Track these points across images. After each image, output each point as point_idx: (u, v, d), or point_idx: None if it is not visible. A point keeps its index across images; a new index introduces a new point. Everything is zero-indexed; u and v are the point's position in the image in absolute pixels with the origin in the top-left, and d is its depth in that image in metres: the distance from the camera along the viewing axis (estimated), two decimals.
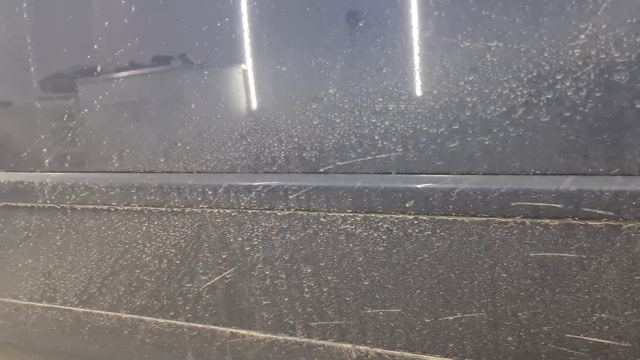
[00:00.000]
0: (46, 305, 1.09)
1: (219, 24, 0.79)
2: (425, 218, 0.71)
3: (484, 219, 0.68)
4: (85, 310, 1.05)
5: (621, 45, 0.58)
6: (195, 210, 0.88)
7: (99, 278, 1.01)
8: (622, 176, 0.60)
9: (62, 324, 1.08)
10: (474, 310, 0.71)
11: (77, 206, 0.99)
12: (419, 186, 0.70)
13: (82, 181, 0.96)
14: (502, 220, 0.67)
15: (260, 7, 0.76)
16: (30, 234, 1.07)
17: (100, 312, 1.03)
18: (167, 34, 0.84)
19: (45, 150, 0.99)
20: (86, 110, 0.93)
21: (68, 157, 0.97)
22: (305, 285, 0.82)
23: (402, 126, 0.70)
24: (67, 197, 0.98)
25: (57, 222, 1.02)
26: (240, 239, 0.85)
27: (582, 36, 0.59)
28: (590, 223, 0.62)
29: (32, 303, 1.11)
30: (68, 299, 1.06)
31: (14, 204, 1.06)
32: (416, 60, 0.68)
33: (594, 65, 0.59)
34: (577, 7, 0.59)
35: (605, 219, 0.61)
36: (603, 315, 0.64)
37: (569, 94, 0.61)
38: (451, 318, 0.73)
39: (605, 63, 0.59)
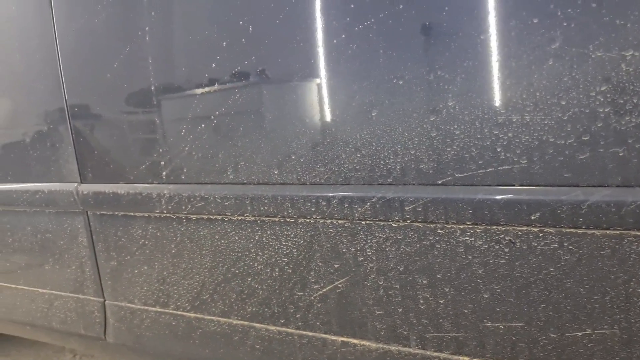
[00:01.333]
0: (159, 309, 1.16)
1: (335, 41, 0.82)
2: (551, 231, 0.70)
3: (618, 232, 0.66)
4: (197, 315, 1.10)
5: None
6: (308, 220, 0.90)
7: (211, 285, 1.06)
8: None
9: (175, 328, 1.14)
10: (605, 327, 0.69)
11: (192, 216, 1.04)
12: (546, 198, 0.69)
13: (198, 192, 1.01)
14: (639, 233, 0.65)
15: (378, 24, 0.78)
16: (146, 242, 1.14)
17: (211, 317, 1.08)
18: (282, 47, 0.87)
19: (163, 163, 1.06)
20: (203, 125, 0.98)
21: (185, 170, 1.03)
22: (420, 297, 0.83)
23: (527, 138, 0.70)
24: (183, 208, 1.03)
25: (173, 231, 1.09)
26: (353, 249, 0.87)
27: None
28: None
29: (146, 307, 1.18)
30: (181, 305, 1.12)
31: (132, 213, 1.14)
32: (543, 71, 0.67)
33: None
34: None
35: None
36: None
37: None
38: (579, 334, 0.71)
39: None
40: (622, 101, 0.63)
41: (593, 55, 0.64)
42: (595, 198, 0.66)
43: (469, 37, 0.71)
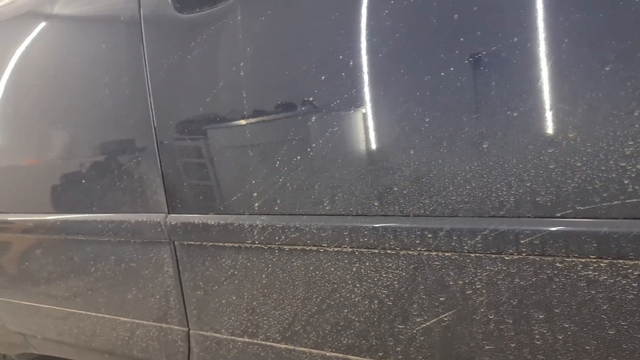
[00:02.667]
0: (247, 340, 1.16)
1: (443, 74, 0.83)
2: None
3: None
4: (288, 346, 1.10)
5: None
6: (411, 252, 0.90)
7: (304, 316, 1.06)
8: None
9: (263, 359, 1.14)
10: None
11: (285, 247, 1.05)
12: None
13: (292, 223, 1.02)
14: None
15: (491, 56, 0.78)
16: (235, 272, 1.15)
17: (303, 349, 1.07)
18: (382, 80, 0.88)
19: (255, 194, 1.07)
20: (299, 157, 0.99)
21: (278, 201, 1.04)
22: (536, 332, 0.81)
23: None
24: (277, 238, 1.04)
25: (264, 262, 1.09)
26: (460, 282, 0.86)
27: None
28: None
29: (233, 337, 1.19)
30: (270, 335, 1.12)
31: (221, 244, 1.15)
32: None
33: None
34: None
35: None
36: None
37: None
38: None
39: None
40: None
41: None
42: None
43: (591, 69, 0.71)
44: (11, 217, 1.63)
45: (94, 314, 1.48)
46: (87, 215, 1.41)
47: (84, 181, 1.41)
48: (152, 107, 1.22)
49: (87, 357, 1.59)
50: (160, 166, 1.23)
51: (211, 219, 1.15)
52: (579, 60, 0.72)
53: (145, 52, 1.22)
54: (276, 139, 1.03)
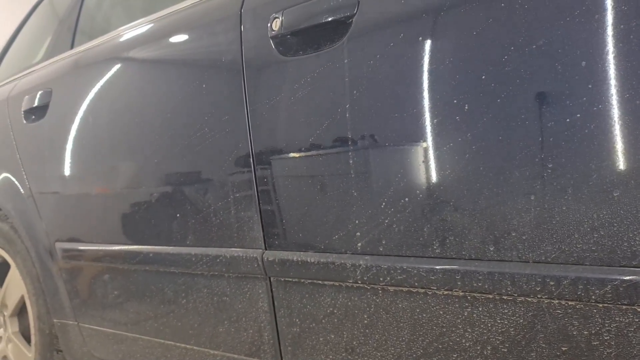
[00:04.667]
0: None
1: (568, 120, 0.82)
2: None
3: None
4: None
5: None
6: (530, 299, 0.88)
7: (409, 359, 1.05)
8: None
9: None
10: None
11: (390, 288, 1.05)
12: None
13: (399, 264, 1.02)
14: None
15: (619, 103, 0.77)
16: (335, 311, 1.15)
17: None
18: (505, 121, 0.89)
19: (359, 234, 1.08)
20: (407, 199, 1.00)
21: (383, 242, 1.05)
22: None
23: None
24: (381, 279, 1.05)
25: (366, 302, 1.10)
26: (586, 332, 0.84)
27: None
28: None
29: None
30: None
31: (321, 282, 1.16)
32: None
33: None
34: None
35: None
36: None
37: None
38: None
39: None
40: None
41: None
42: None
43: None
44: (105, 247, 1.70)
45: (182, 345, 1.52)
46: (180, 248, 1.45)
47: (179, 215, 1.47)
48: (252, 145, 1.27)
49: None
50: (258, 202, 1.27)
51: (311, 256, 1.17)
52: None
53: (247, 91, 1.27)
54: (381, 180, 1.05)
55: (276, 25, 1.22)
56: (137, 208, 1.59)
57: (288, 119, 1.22)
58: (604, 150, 0.80)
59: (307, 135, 1.17)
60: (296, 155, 1.20)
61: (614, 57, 0.79)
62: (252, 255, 1.28)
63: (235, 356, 1.39)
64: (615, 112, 0.79)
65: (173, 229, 1.49)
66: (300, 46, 1.20)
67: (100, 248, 1.71)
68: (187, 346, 1.51)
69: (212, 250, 1.38)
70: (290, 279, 1.23)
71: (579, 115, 0.82)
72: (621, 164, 0.79)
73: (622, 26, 0.79)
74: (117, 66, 1.68)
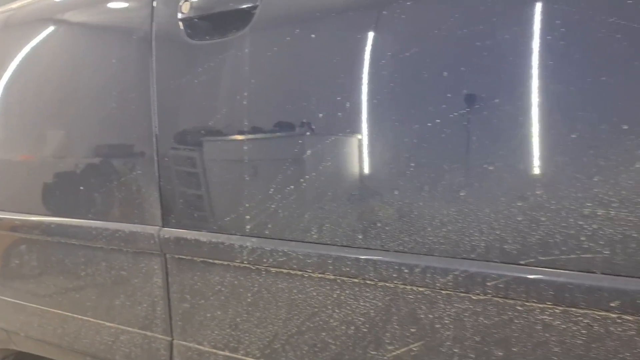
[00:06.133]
0: (228, 354, 1.22)
1: (430, 124, 0.91)
2: (629, 318, 0.77)
3: None
4: None
5: None
6: (388, 285, 0.97)
7: (284, 335, 1.13)
8: None
9: None
10: None
11: (272, 269, 1.12)
12: (627, 288, 0.75)
13: (280, 247, 1.09)
14: None
15: (473, 114, 0.87)
16: (222, 289, 1.21)
17: None
18: (376, 126, 0.97)
19: (248, 217, 1.14)
20: (292, 187, 1.07)
21: (269, 225, 1.11)
22: None
23: (611, 231, 0.77)
24: (264, 260, 1.11)
25: (251, 281, 1.16)
26: (431, 316, 0.94)
27: None
28: None
29: (214, 350, 1.25)
30: (251, 351, 1.19)
31: (211, 260, 1.22)
32: (630, 171, 0.75)
33: None
34: None
35: None
36: None
37: None
38: None
39: None
40: None
41: None
42: None
43: (560, 134, 0.80)
44: (6, 215, 1.68)
45: (79, 316, 1.53)
46: (82, 221, 1.46)
47: (82, 187, 1.48)
48: (156, 125, 1.29)
49: (68, 358, 1.63)
50: (159, 181, 1.30)
51: (204, 236, 1.22)
52: (550, 126, 0.81)
53: (155, 71, 1.30)
54: (271, 169, 1.11)
55: (186, 8, 1.25)
56: (42, 178, 1.59)
57: (191, 102, 1.25)
58: (455, 153, 0.90)
59: (207, 119, 1.21)
60: (196, 137, 1.24)
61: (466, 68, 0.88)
62: (149, 232, 1.32)
63: (130, 329, 1.42)
64: (464, 119, 0.88)
65: (76, 202, 1.49)
66: (207, 31, 1.23)
67: (2, 216, 1.69)
68: (84, 318, 1.52)
69: (112, 225, 1.40)
70: (184, 257, 1.27)
71: (438, 120, 0.90)
72: (468, 167, 0.88)
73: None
74: (44, 28, 1.64)
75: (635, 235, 0.75)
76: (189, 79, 1.24)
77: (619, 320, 0.77)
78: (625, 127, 0.76)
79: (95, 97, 1.46)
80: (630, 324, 0.77)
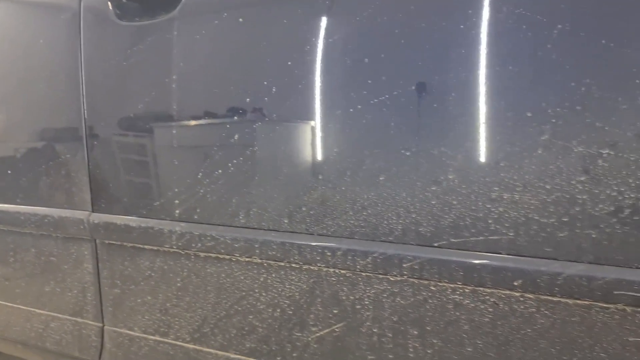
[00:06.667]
0: (159, 339, 1.22)
1: (352, 110, 0.93)
2: (530, 296, 0.81)
3: (587, 303, 0.77)
4: (196, 347, 1.17)
5: None
6: (312, 268, 0.99)
7: (213, 319, 1.13)
8: None
9: (172, 358, 1.21)
10: None
11: (200, 254, 1.12)
12: (528, 268, 0.79)
13: (209, 232, 1.09)
14: (604, 305, 0.76)
15: (392, 100, 0.89)
16: (152, 274, 1.21)
17: (210, 350, 1.15)
18: (301, 115, 0.98)
19: (177, 202, 1.14)
20: (220, 171, 1.07)
21: (198, 210, 1.11)
22: (410, 346, 0.92)
23: (515, 214, 0.81)
24: (193, 245, 1.11)
25: (180, 266, 1.16)
26: (352, 297, 0.96)
27: None
28: None
29: (145, 335, 1.24)
30: (181, 336, 1.19)
31: (141, 245, 1.21)
32: (532, 157, 0.79)
33: None
34: None
35: None
36: None
37: None
38: None
39: None
40: (597, 191, 0.75)
41: (576, 150, 0.76)
42: (571, 271, 0.76)
43: (470, 122, 0.83)
44: None
45: (9, 304, 1.49)
46: (10, 206, 1.42)
47: (9, 172, 1.43)
48: (85, 107, 1.26)
49: None
50: (88, 165, 1.27)
51: (133, 221, 1.20)
52: (461, 113, 0.84)
53: (83, 53, 1.26)
54: (199, 153, 1.10)
55: None
56: None
57: (120, 85, 1.23)
58: (375, 139, 0.91)
59: (137, 103, 1.19)
60: (125, 121, 1.21)
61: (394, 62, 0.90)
62: (78, 217, 1.29)
63: (60, 316, 1.40)
64: (383, 106, 0.90)
65: (3, 186, 1.45)
66: (137, 12, 1.21)
67: None
68: (14, 305, 1.49)
69: (41, 210, 1.37)
70: (114, 242, 1.26)
71: (359, 107, 0.92)
72: (387, 152, 0.90)
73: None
74: None
75: (536, 217, 0.79)
76: (118, 61, 1.21)
77: (522, 299, 0.82)
78: (529, 114, 0.79)
79: (24, 78, 1.41)
80: (531, 302, 0.81)
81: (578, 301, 0.77)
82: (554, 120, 0.78)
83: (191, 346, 1.17)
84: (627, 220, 0.73)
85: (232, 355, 1.12)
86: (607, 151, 0.74)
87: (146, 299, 1.22)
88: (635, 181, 0.73)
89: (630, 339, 0.75)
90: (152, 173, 1.19)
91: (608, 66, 0.74)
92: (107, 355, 1.32)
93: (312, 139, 0.98)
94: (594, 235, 0.76)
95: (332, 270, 0.97)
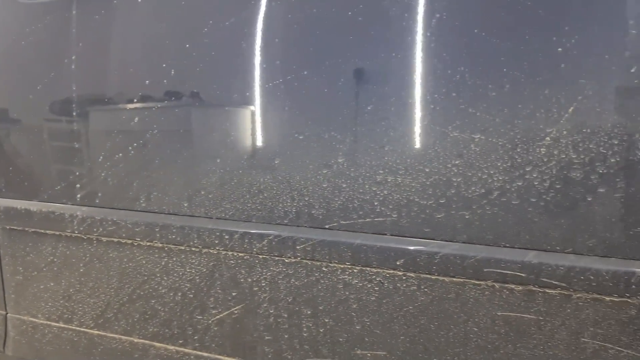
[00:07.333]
0: (63, 325, 1.20)
1: (248, 93, 0.93)
2: (412, 275, 0.84)
3: (461, 280, 0.81)
4: (100, 332, 1.15)
5: (578, 148, 0.72)
6: (211, 251, 1.00)
7: (116, 304, 1.12)
8: (574, 255, 0.73)
9: (76, 344, 1.19)
10: (448, 358, 0.84)
11: (102, 238, 1.10)
12: (409, 247, 0.83)
13: (110, 217, 1.08)
14: (476, 282, 0.80)
15: (285, 85, 0.90)
16: (55, 260, 1.18)
17: (113, 335, 1.14)
18: (198, 99, 0.97)
19: (78, 186, 1.11)
20: (120, 154, 1.06)
21: (99, 194, 1.09)
22: (304, 325, 0.94)
23: (398, 196, 0.84)
24: (95, 230, 1.10)
25: (82, 251, 1.14)
26: (250, 280, 0.97)
27: (548, 138, 0.74)
28: (547, 291, 0.75)
29: (49, 322, 1.22)
30: (84, 322, 1.17)
31: (43, 231, 1.18)
32: (413, 142, 0.82)
33: (556, 162, 0.74)
34: (545, 114, 0.74)
35: (559, 289, 0.74)
36: None
37: (535, 184, 0.75)
38: None
39: (565, 162, 0.73)
40: (469, 174, 0.79)
41: (451, 135, 0.79)
42: (446, 251, 0.80)
43: (357, 107, 0.85)
44: None
45: None
46: None
47: None
48: None
49: None
50: None
51: (34, 205, 1.17)
52: (348, 99, 0.86)
53: None
54: (100, 137, 1.08)
55: None
56: None
57: (19, 65, 1.18)
58: (269, 123, 0.92)
59: (36, 83, 1.15)
60: (24, 102, 1.17)
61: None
62: None
63: None
64: (277, 90, 0.91)
65: None
66: None
67: None
68: None
69: None
70: (15, 228, 1.22)
71: (247, 94, 0.92)
72: (282, 136, 0.92)
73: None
74: None
75: (417, 199, 0.82)
76: (16, 39, 1.17)
77: (404, 277, 0.85)
78: (410, 100, 0.82)
79: None
80: (413, 280, 0.85)
81: (453, 279, 0.81)
82: (432, 106, 0.81)
83: (95, 332, 1.16)
84: (496, 201, 0.78)
85: (136, 340, 1.11)
86: (478, 136, 0.78)
87: (49, 286, 1.19)
88: (503, 164, 0.77)
89: (498, 313, 0.79)
90: (53, 156, 1.15)
91: (479, 55, 0.78)
92: (11, 343, 1.28)
93: (210, 124, 0.98)
94: (467, 216, 0.80)
95: (230, 253, 0.98)
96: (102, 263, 1.12)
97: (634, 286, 0.70)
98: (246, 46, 0.94)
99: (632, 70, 0.69)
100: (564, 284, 0.73)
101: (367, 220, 0.86)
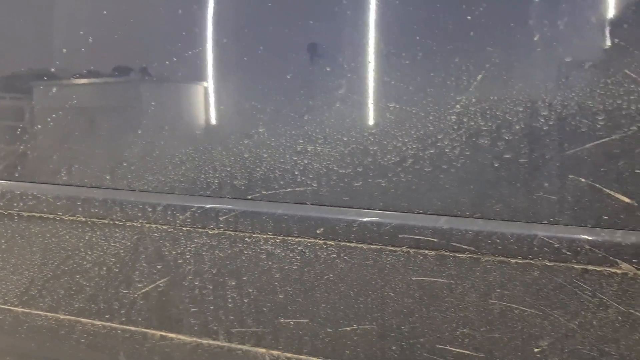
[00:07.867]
0: None
1: (168, 63, 0.91)
2: (332, 243, 0.85)
3: (378, 247, 0.82)
4: (25, 310, 1.12)
5: (485, 116, 0.74)
6: (135, 224, 0.98)
7: (40, 281, 1.09)
8: (482, 219, 0.76)
9: (1, 322, 1.15)
10: (366, 323, 0.86)
11: (24, 213, 1.07)
12: (328, 216, 0.84)
13: (30, 191, 1.04)
14: (392, 249, 0.82)
15: (208, 61, 0.88)
16: None
17: (39, 312, 1.11)
18: (119, 74, 0.95)
19: None
20: (39, 126, 1.02)
21: (19, 168, 1.05)
22: (229, 296, 0.94)
23: (318, 165, 0.84)
24: (15, 205, 1.06)
25: (3, 227, 1.10)
26: (174, 252, 0.96)
27: (458, 106, 0.75)
28: (457, 255, 0.78)
29: None
30: (8, 299, 1.13)
31: None
32: (331, 111, 0.82)
33: (465, 129, 0.75)
34: (455, 82, 0.75)
35: (468, 253, 0.76)
36: (465, 330, 0.80)
37: (447, 151, 0.76)
38: (348, 329, 0.87)
39: (474, 129, 0.75)
40: (385, 142, 0.80)
41: (367, 104, 0.80)
42: (363, 219, 0.81)
43: (276, 77, 0.84)
44: None
45: None
46: None
47: None
48: None
49: None
50: None
51: None
52: (270, 69, 0.85)
53: None
54: (17, 107, 1.04)
55: None
56: None
57: None
58: (189, 93, 0.91)
59: None
60: None
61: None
62: None
63: None
64: (199, 64, 0.89)
65: None
66: None
67: None
68: None
69: None
70: None
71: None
72: (203, 106, 0.90)
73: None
74: None
75: (336, 168, 0.83)
76: None
77: (325, 246, 0.86)
78: (328, 69, 0.82)
79: None
80: (332, 249, 0.85)
81: (371, 246, 0.83)
82: (349, 75, 0.81)
83: (20, 309, 1.12)
84: (410, 169, 0.79)
85: (62, 317, 1.09)
86: (393, 104, 0.79)
87: None
88: (417, 132, 0.78)
89: (413, 278, 0.81)
90: None
91: (393, 24, 0.78)
92: None
93: (132, 94, 0.95)
94: (383, 184, 0.81)
95: (154, 226, 0.96)
96: (24, 239, 1.09)
97: (536, 248, 0.73)
98: (168, 16, 0.92)
99: (535, 39, 0.71)
100: (472, 248, 0.76)
101: (289, 190, 0.86)
